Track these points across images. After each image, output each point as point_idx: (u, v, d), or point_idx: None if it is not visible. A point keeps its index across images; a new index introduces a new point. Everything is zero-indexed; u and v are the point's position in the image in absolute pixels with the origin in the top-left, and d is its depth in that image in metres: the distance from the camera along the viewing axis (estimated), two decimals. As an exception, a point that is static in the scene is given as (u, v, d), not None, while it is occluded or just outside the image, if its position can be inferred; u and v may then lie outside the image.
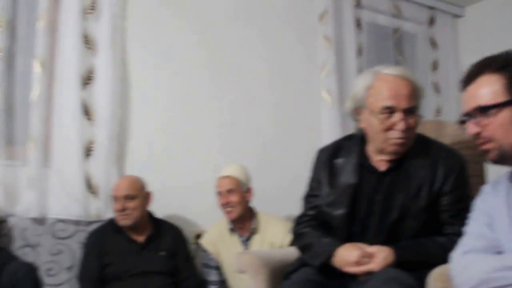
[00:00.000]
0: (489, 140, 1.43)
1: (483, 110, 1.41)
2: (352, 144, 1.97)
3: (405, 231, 1.83)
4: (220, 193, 2.78)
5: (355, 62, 3.78)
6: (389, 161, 1.88)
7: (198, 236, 3.02)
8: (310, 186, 2.02)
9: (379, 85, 1.83)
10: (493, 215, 1.48)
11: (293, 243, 2.07)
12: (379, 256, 1.74)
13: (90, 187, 2.90)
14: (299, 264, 1.94)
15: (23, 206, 2.78)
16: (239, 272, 2.15)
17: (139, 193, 2.71)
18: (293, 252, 2.07)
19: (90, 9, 3.00)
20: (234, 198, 2.74)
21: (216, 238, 2.85)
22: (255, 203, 2.87)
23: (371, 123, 1.84)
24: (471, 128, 1.45)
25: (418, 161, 1.86)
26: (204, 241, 2.88)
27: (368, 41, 3.96)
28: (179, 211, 3.07)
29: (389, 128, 1.80)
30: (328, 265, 1.82)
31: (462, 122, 1.49)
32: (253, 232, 2.79)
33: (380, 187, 1.87)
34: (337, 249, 1.81)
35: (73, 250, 2.82)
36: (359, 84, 1.89)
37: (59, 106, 2.90)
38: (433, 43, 4.36)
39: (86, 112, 2.92)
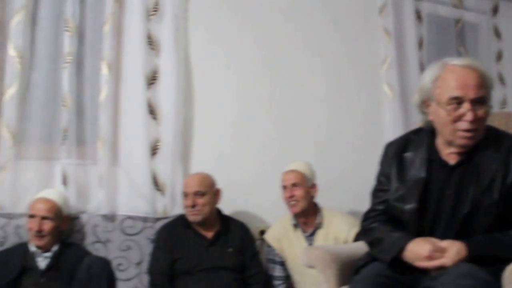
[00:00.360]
0: None
1: None
2: (421, 137, 1.94)
3: (477, 225, 1.78)
4: (285, 187, 2.80)
5: (416, 55, 3.71)
6: (459, 154, 1.84)
7: (262, 232, 3.05)
8: (379, 181, 2.00)
9: (447, 76, 1.80)
10: None
11: (362, 238, 2.07)
12: (452, 250, 1.71)
13: (157, 185, 2.98)
14: (368, 259, 1.93)
15: (94, 204, 2.91)
16: (307, 266, 2.16)
17: (209, 190, 2.76)
18: (361, 247, 2.06)
19: (153, 11, 3.08)
20: (298, 192, 2.75)
21: (280, 234, 2.88)
22: (317, 198, 2.86)
23: (439, 115, 1.81)
24: None
25: (489, 153, 1.81)
26: (269, 237, 2.91)
27: (429, 33, 3.86)
28: (243, 208, 3.11)
29: (457, 119, 1.77)
30: (398, 260, 1.80)
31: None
32: (317, 227, 2.79)
33: (450, 181, 1.83)
34: (408, 243, 1.78)
35: (142, 246, 2.90)
36: (427, 76, 1.87)
37: (126, 106, 3.00)
38: (497, 33, 4.20)
39: (152, 111, 3.00)
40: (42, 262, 2.58)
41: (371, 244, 1.94)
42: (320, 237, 2.77)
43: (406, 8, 3.74)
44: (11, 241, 2.75)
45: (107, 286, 2.34)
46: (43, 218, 2.60)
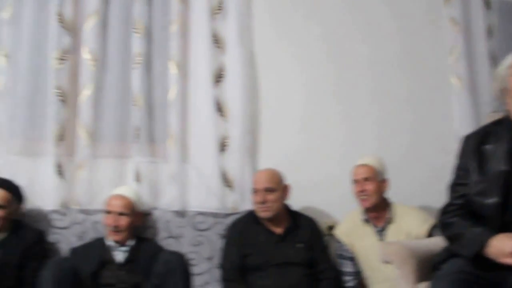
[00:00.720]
0: None
1: None
2: (502, 129, 1.87)
3: None
4: (356, 181, 2.78)
5: (486, 45, 3.57)
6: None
7: (331, 227, 3.04)
8: (457, 175, 1.95)
9: None
10: None
11: (439, 232, 2.02)
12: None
13: (226, 181, 3.02)
14: (447, 255, 1.89)
15: (166, 200, 2.99)
16: (383, 262, 2.14)
17: (278, 186, 2.77)
18: (437, 243, 2.02)
19: (217, 10, 3.13)
20: (370, 186, 2.73)
21: (349, 229, 2.86)
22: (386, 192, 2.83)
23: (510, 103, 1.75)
24: None
25: None
26: (338, 232, 2.89)
27: (499, 21, 3.72)
28: (311, 203, 3.10)
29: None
30: (479, 256, 1.76)
31: None
32: (388, 221, 2.76)
33: (535, 174, 1.77)
34: (490, 239, 1.74)
35: (212, 241, 2.96)
36: (504, 63, 1.81)
37: (194, 104, 3.07)
38: None
39: (219, 108, 3.05)
40: (119, 256, 2.68)
41: (450, 239, 1.90)
42: (392, 232, 2.73)
43: (473, -5, 3.63)
44: (89, 236, 2.88)
45: (184, 279, 2.40)
46: (119, 214, 2.70)
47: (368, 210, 2.78)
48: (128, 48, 3.05)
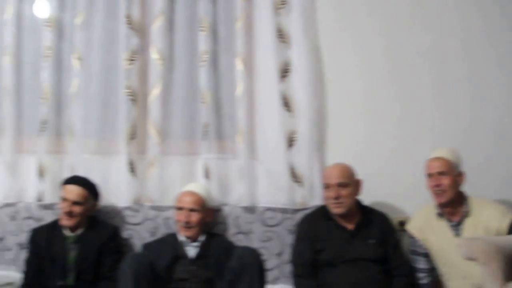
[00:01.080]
0: None
1: None
2: None
3: None
4: (430, 175, 2.68)
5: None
6: None
7: (401, 223, 2.97)
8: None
9: None
10: None
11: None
12: None
13: (295, 176, 3.00)
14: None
15: (235, 196, 3.02)
16: (466, 259, 2.04)
17: (351, 181, 2.73)
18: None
19: (281, 4, 3.10)
20: (445, 181, 2.63)
21: (422, 224, 2.77)
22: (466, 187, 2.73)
23: None
24: None
25: None
26: (411, 227, 2.81)
27: None
28: (381, 198, 3.04)
29: None
30: None
31: None
32: (464, 215, 2.65)
33: None
34: None
35: (282, 237, 2.95)
36: None
37: (261, 100, 3.07)
38: None
39: (286, 104, 3.04)
40: (191, 251, 2.72)
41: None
42: (469, 226, 2.62)
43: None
44: (161, 232, 2.95)
45: (259, 275, 2.41)
46: (191, 210, 2.74)
47: (443, 205, 2.68)
48: (194, 46, 3.09)
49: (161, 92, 3.03)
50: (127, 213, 2.99)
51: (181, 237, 2.76)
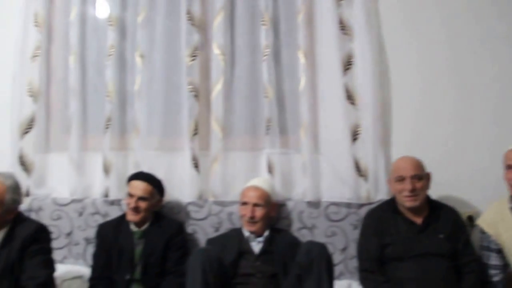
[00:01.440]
0: None
1: None
2: None
3: None
4: (509, 167, 2.57)
5: None
6: None
7: (470, 217, 2.87)
8: None
9: None
10: None
11: None
12: None
13: (359, 171, 2.95)
14: None
15: (299, 191, 2.99)
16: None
17: (424, 174, 2.66)
18: None
19: (342, -4, 3.05)
20: (527, 172, 2.52)
21: (495, 219, 2.65)
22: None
23: None
24: None
25: None
26: (483, 222, 2.70)
27: None
28: (449, 192, 2.95)
29: None
30: None
31: None
32: (542, 211, 2.54)
33: None
34: None
35: (346, 232, 2.91)
36: None
37: (324, 93, 3.03)
38: None
39: (349, 97, 2.99)
40: (256, 246, 2.72)
41: None
42: (546, 222, 2.51)
43: None
44: (225, 227, 2.95)
45: (327, 269, 2.37)
46: (255, 205, 2.73)
47: (519, 199, 2.57)
48: (255, 40, 3.08)
49: (223, 88, 3.03)
50: (191, 208, 3.00)
51: (246, 232, 2.76)
